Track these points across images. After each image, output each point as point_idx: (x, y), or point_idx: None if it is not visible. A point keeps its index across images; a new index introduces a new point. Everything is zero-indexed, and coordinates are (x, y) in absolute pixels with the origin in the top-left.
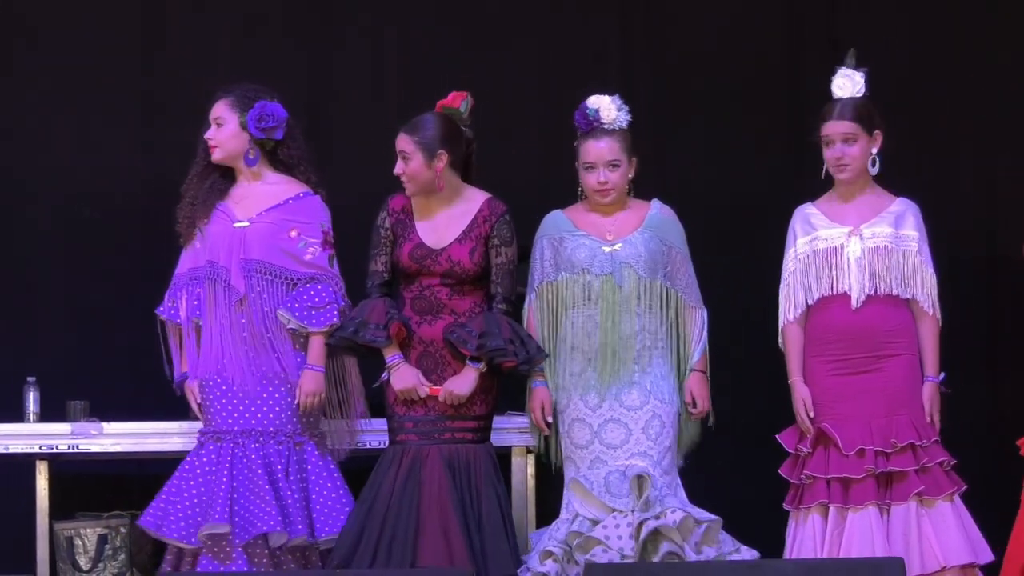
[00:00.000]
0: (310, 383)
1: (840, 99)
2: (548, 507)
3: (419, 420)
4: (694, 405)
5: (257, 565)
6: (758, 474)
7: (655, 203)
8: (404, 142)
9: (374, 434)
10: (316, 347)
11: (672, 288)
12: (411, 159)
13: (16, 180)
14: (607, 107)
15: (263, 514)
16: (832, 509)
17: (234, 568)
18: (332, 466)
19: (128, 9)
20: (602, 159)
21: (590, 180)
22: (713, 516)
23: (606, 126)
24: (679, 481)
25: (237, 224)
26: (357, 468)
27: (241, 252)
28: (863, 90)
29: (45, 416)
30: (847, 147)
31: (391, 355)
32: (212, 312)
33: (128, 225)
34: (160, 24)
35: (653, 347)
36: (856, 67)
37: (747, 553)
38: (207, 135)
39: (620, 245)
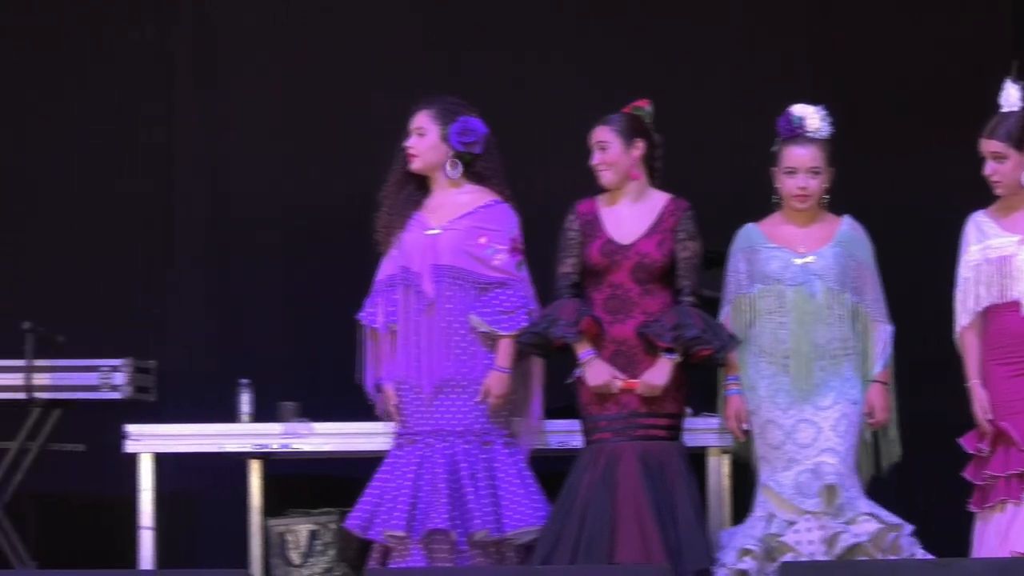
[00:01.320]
0: (497, 385)
1: (997, 115)
2: (744, 506)
3: (612, 418)
4: (872, 416)
5: (436, 560)
6: (943, 478)
7: (846, 219)
8: (602, 132)
9: (557, 435)
10: (504, 350)
11: (859, 302)
12: (609, 147)
13: (232, 193)
14: (812, 116)
15: (434, 512)
16: (1010, 505)
17: (412, 563)
18: (522, 463)
19: (321, 29)
20: (804, 166)
21: (790, 185)
22: (899, 520)
23: (810, 134)
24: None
25: (429, 231)
26: (547, 472)
27: (432, 258)
28: (1019, 104)
29: (258, 417)
30: (997, 164)
31: (583, 351)
32: (405, 317)
33: (337, 233)
34: (353, 40)
35: (843, 354)
36: (1016, 80)
37: (923, 558)
38: (408, 144)
39: (812, 257)
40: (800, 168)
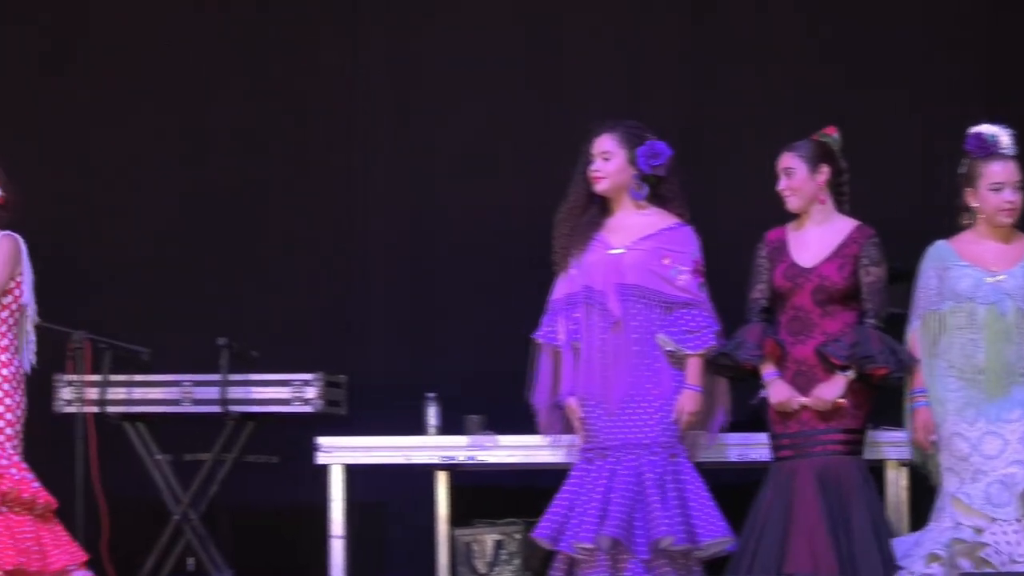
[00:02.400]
0: (689, 403)
1: None
2: (922, 519)
3: (793, 436)
4: None
5: (622, 571)
6: None
7: None
8: (788, 159)
9: (737, 447)
10: (693, 368)
11: None
12: (795, 173)
13: (423, 213)
14: (1002, 134)
15: (617, 524)
16: None
17: (598, 574)
18: (700, 477)
19: (508, 48)
20: (1011, 180)
21: (997, 200)
22: None
23: (1003, 151)
24: None
25: (612, 251)
26: (728, 484)
27: (616, 277)
28: None
29: (445, 429)
30: None
31: (767, 371)
32: (589, 334)
33: (524, 250)
34: (537, 60)
35: None
36: None
37: None
38: (594, 167)
39: (1004, 276)
40: (1007, 182)
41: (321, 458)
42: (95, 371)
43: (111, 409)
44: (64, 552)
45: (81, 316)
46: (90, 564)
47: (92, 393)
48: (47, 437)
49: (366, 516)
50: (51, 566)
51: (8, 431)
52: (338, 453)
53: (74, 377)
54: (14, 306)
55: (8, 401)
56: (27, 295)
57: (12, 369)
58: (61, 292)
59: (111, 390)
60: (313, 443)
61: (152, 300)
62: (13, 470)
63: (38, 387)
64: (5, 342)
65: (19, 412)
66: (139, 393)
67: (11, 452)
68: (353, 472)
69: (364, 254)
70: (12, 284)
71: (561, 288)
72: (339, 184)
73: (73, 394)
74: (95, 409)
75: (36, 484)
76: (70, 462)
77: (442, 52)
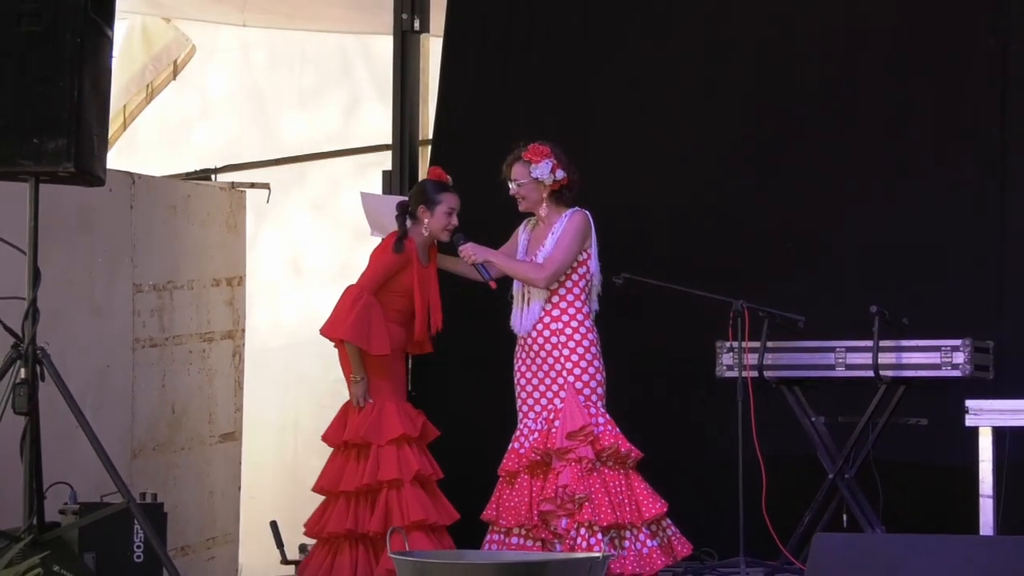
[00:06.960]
0: None
1: None
2: None
3: None
4: None
5: None
6: None
7: None
8: None
9: None
10: None
11: None
12: None
13: None
14: None
15: None
16: None
17: None
18: None
19: None
20: None
21: None
22: None
23: None
24: None
25: None
26: None
27: None
28: None
29: None
30: None
31: None
32: None
33: None
34: None
35: None
36: None
37: None
38: None
39: None
40: None
41: (970, 420)
42: (754, 338)
43: (769, 374)
44: (656, 501)
45: (742, 286)
46: (750, 517)
47: (751, 358)
48: (710, 400)
49: (1014, 476)
50: (644, 515)
51: (600, 391)
52: (987, 415)
53: (735, 343)
54: (588, 276)
55: (596, 363)
56: (595, 265)
57: (595, 335)
58: (724, 264)
59: (769, 355)
60: (962, 406)
61: (806, 271)
62: (609, 427)
63: (703, 352)
64: (587, 310)
65: (604, 374)
66: (795, 359)
67: (603, 410)
68: (1001, 434)
69: (1008, 223)
70: (584, 256)
71: None
72: (979, 157)
73: (734, 359)
74: (754, 374)
75: (625, 439)
76: (732, 423)
77: None
